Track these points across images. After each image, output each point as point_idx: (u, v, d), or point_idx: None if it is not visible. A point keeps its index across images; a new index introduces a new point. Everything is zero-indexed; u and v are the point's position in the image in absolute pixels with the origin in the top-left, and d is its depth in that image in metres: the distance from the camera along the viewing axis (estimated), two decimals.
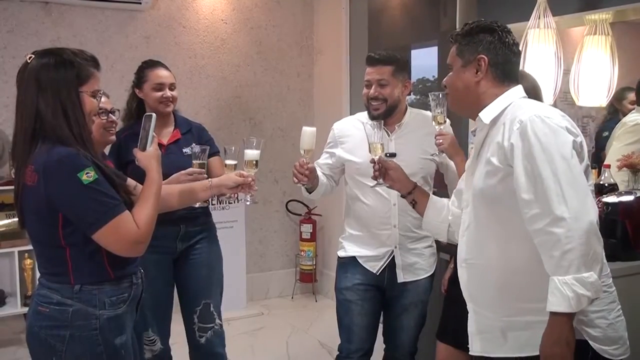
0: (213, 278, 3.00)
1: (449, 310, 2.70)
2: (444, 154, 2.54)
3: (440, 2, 4.31)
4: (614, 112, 3.83)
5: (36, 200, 1.81)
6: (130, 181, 2.10)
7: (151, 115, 2.02)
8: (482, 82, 1.86)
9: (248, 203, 2.36)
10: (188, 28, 4.86)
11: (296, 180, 2.50)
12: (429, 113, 2.83)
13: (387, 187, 2.31)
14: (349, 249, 2.78)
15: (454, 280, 2.63)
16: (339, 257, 2.84)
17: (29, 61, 1.87)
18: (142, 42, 4.69)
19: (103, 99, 2.57)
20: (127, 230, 1.81)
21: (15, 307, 4.11)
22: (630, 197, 2.65)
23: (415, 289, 2.72)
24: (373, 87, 2.64)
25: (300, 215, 5.30)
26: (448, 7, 4.01)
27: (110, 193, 1.81)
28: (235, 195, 2.55)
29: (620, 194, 2.71)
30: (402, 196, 2.28)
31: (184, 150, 2.91)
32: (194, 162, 2.58)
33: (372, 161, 2.26)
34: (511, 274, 1.81)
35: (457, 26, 3.58)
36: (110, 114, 2.57)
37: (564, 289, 1.60)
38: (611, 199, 2.63)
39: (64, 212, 1.80)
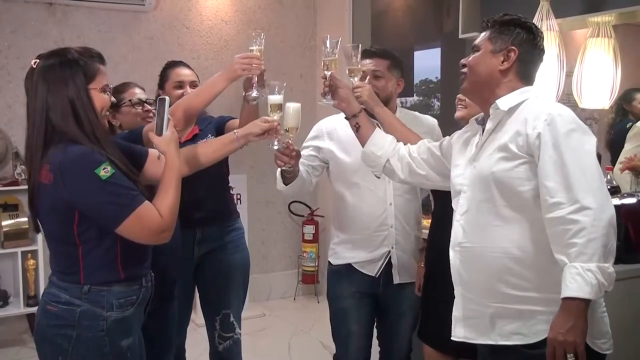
0: (233, 288, 2.91)
1: (425, 311, 2.64)
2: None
3: (443, 5, 4.32)
4: (623, 114, 3.84)
5: (52, 198, 1.81)
6: (153, 151, 2.07)
7: (164, 98, 1.97)
8: (506, 72, 1.90)
9: (276, 147, 2.25)
10: (191, 29, 4.88)
11: (281, 163, 2.31)
12: (418, 114, 2.80)
13: (334, 105, 2.25)
14: (342, 255, 2.69)
15: (428, 281, 2.61)
16: (330, 264, 2.75)
17: (34, 66, 1.87)
18: (146, 43, 4.70)
19: (137, 90, 2.59)
20: (150, 219, 1.81)
21: (18, 308, 4.12)
22: (632, 200, 2.65)
23: (410, 293, 2.66)
24: (367, 78, 2.58)
25: (302, 216, 5.30)
26: (451, 9, 4.01)
27: (129, 185, 1.82)
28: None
29: (623, 197, 2.70)
30: (347, 118, 2.26)
31: (199, 142, 2.78)
32: (250, 48, 2.32)
33: (324, 77, 2.22)
34: (510, 261, 1.82)
35: (460, 28, 3.59)
36: (145, 103, 2.58)
37: (587, 275, 1.62)
38: (613, 201, 2.62)
39: (84, 209, 1.80)
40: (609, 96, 3.05)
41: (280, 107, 2.22)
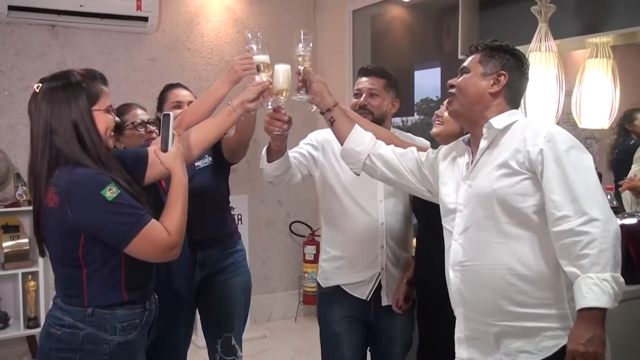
0: (235, 311, 2.88)
1: (423, 334, 2.61)
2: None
3: (442, 26, 4.34)
4: (626, 134, 3.85)
5: (58, 221, 1.82)
6: (152, 156, 2.05)
7: (169, 114, 1.97)
8: (495, 95, 1.94)
9: (270, 107, 2.20)
10: (193, 50, 4.91)
11: (274, 128, 2.21)
12: (411, 135, 2.78)
13: (308, 100, 2.22)
14: (332, 277, 2.64)
15: (421, 302, 2.57)
16: (320, 286, 2.70)
17: (37, 90, 1.88)
18: (148, 64, 4.73)
19: (139, 111, 2.59)
20: (158, 237, 1.82)
21: (18, 330, 4.10)
22: (633, 220, 2.65)
23: (401, 317, 2.61)
24: (363, 96, 2.60)
25: (303, 236, 5.30)
26: (451, 30, 4.04)
27: (135, 204, 1.83)
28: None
29: (624, 217, 2.70)
30: (321, 113, 2.24)
31: (196, 164, 2.80)
32: (248, 46, 2.26)
33: (298, 72, 2.18)
34: (515, 277, 1.82)
35: (460, 48, 3.61)
36: (147, 125, 2.57)
37: (603, 285, 1.64)
38: None
39: (91, 231, 1.80)
40: (608, 116, 3.06)
41: (267, 66, 2.19)
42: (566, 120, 3.36)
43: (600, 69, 3.02)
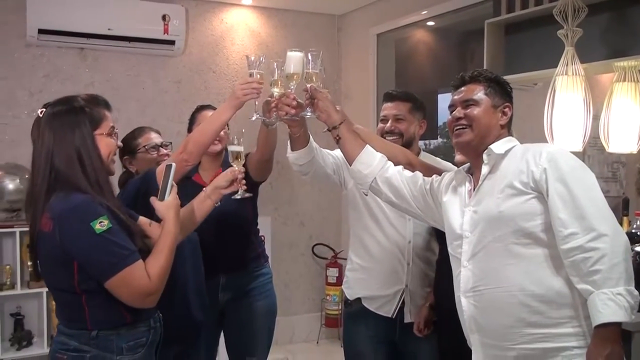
0: (258, 334, 2.88)
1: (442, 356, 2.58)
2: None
3: (467, 48, 4.34)
4: None
5: (51, 247, 1.81)
6: (144, 219, 2.08)
7: (170, 165, 2.01)
8: (504, 126, 2.01)
9: (239, 197, 2.29)
10: (218, 73, 4.96)
11: (282, 113, 2.19)
12: (440, 160, 2.76)
13: (316, 117, 2.21)
14: (355, 288, 2.64)
15: (442, 330, 2.53)
16: (346, 305, 2.71)
17: (40, 115, 1.90)
18: (173, 87, 4.79)
19: (153, 134, 2.62)
20: (138, 281, 1.80)
21: (42, 348, 4.12)
22: None
23: (426, 341, 2.58)
24: (389, 121, 2.62)
25: (326, 259, 5.28)
26: (476, 53, 4.03)
27: (123, 243, 1.81)
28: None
29: None
30: (328, 130, 2.23)
31: None
32: (249, 71, 2.30)
33: (305, 90, 2.19)
34: (529, 298, 1.80)
35: None
36: (160, 148, 2.58)
37: (618, 299, 1.64)
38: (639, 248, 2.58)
39: (77, 259, 1.80)
40: (636, 141, 3.02)
41: (238, 155, 2.30)
42: (593, 145, 3.32)
43: (628, 93, 2.99)
